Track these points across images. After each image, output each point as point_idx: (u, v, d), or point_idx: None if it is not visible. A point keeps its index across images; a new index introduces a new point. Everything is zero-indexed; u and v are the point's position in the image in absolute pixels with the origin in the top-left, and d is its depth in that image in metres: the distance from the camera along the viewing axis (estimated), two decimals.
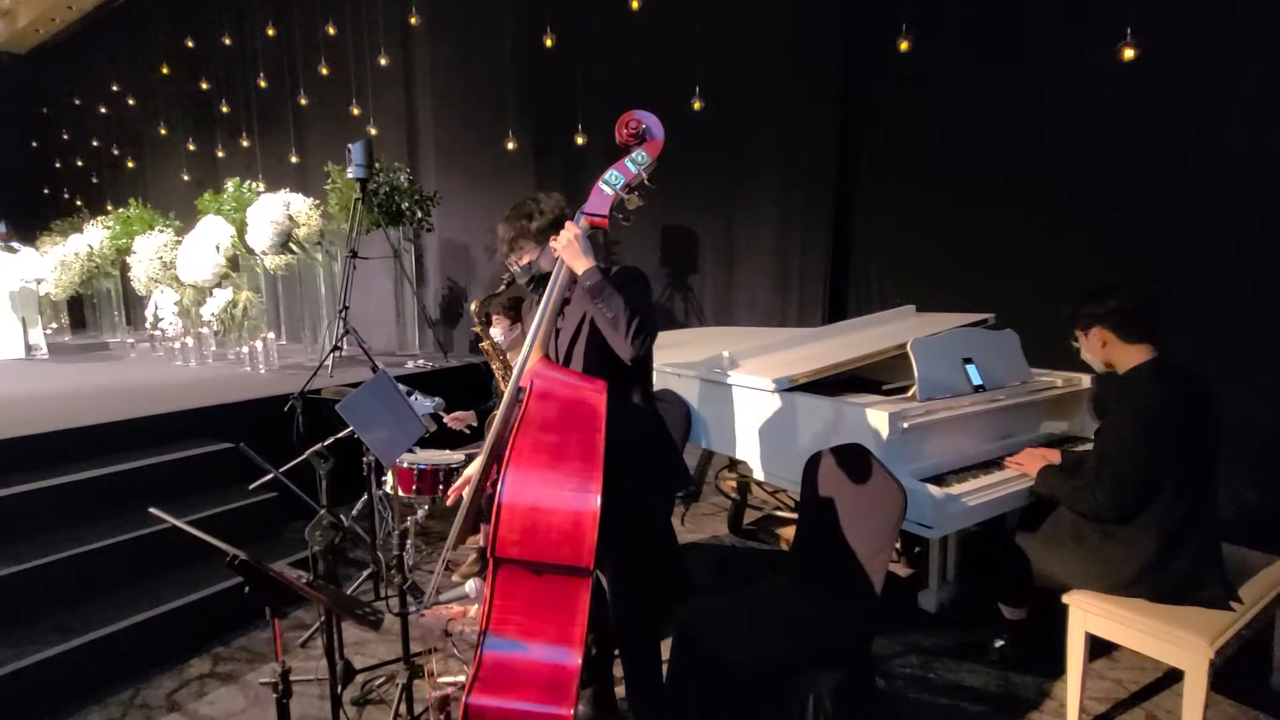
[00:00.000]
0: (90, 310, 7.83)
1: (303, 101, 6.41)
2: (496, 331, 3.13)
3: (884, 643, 2.46)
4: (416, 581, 2.80)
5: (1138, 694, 2.20)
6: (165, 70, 7.71)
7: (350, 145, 4.35)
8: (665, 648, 1.96)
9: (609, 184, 1.64)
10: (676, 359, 3.05)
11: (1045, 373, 2.79)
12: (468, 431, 3.24)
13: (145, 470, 3.02)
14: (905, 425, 2.18)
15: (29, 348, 5.76)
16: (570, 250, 1.60)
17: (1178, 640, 1.78)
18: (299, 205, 4.78)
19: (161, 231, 5.49)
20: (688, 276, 4.96)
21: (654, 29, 4.54)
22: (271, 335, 5.04)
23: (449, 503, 1.84)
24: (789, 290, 4.42)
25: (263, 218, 4.67)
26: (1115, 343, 1.98)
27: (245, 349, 4.89)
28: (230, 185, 5.16)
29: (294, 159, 6.66)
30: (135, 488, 2.92)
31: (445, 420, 3.10)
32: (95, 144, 9.49)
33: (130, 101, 8.65)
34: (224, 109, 7.27)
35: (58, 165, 10.13)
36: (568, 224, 1.63)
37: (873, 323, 3.19)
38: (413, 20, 5.36)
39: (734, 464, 3.33)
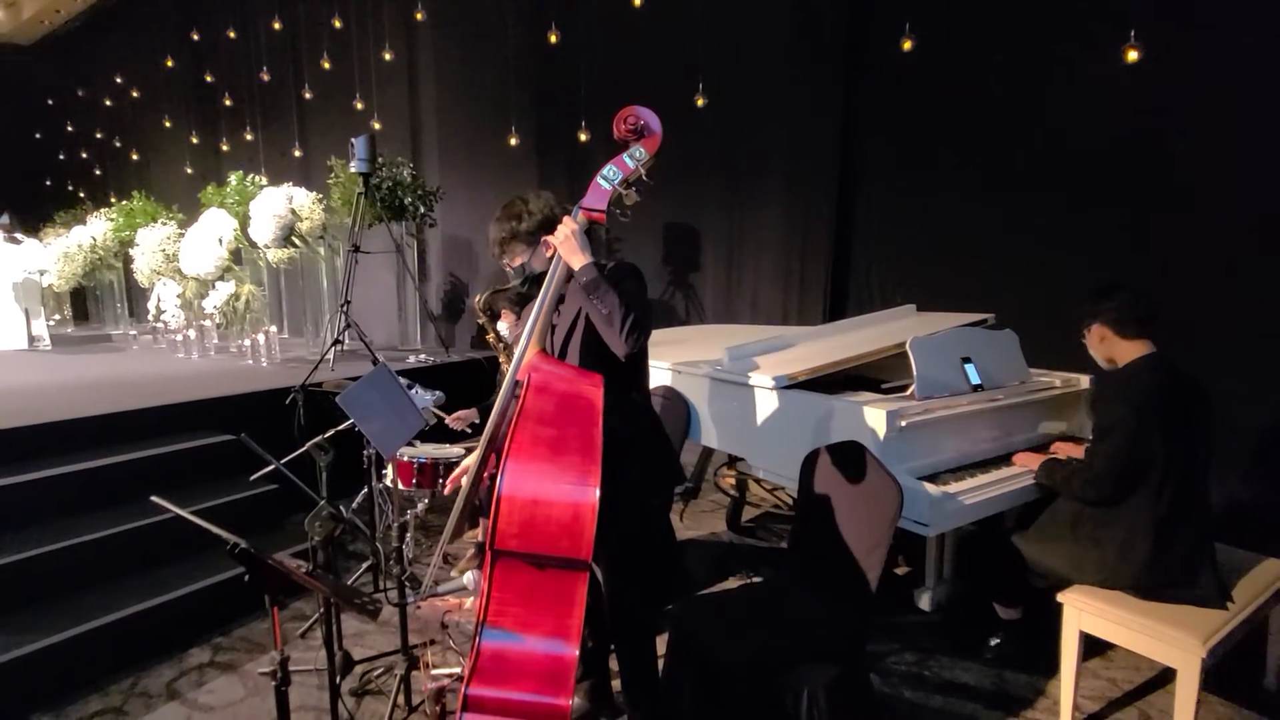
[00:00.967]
0: (93, 302, 7.86)
1: (307, 95, 6.42)
2: (503, 326, 3.14)
3: (880, 640, 2.48)
4: (415, 574, 2.82)
5: (1131, 693, 2.21)
6: (170, 63, 7.72)
7: (353, 139, 4.36)
8: (661, 642, 1.98)
9: (607, 179, 1.65)
10: (677, 356, 3.06)
11: (1044, 373, 2.80)
12: (469, 431, 3.25)
13: (147, 461, 3.04)
14: (903, 424, 2.19)
15: (32, 339, 5.77)
16: (567, 246, 1.61)
17: (1170, 639, 1.79)
18: (302, 199, 4.80)
19: (164, 224, 5.51)
20: (689, 274, 4.97)
21: (657, 26, 4.54)
22: (273, 328, 5.06)
23: (447, 492, 1.85)
24: (790, 288, 4.43)
25: (265, 211, 4.68)
26: (1112, 338, 2.03)
27: (247, 342, 4.91)
28: (233, 178, 5.17)
29: (297, 153, 6.67)
30: (137, 478, 2.93)
31: (447, 421, 3.11)
32: (99, 136, 9.51)
33: (134, 94, 8.66)
34: (228, 102, 7.28)
35: (61, 157, 10.15)
36: (565, 220, 1.64)
37: (872, 321, 3.19)
38: (418, 15, 5.36)
39: (733, 461, 3.33)
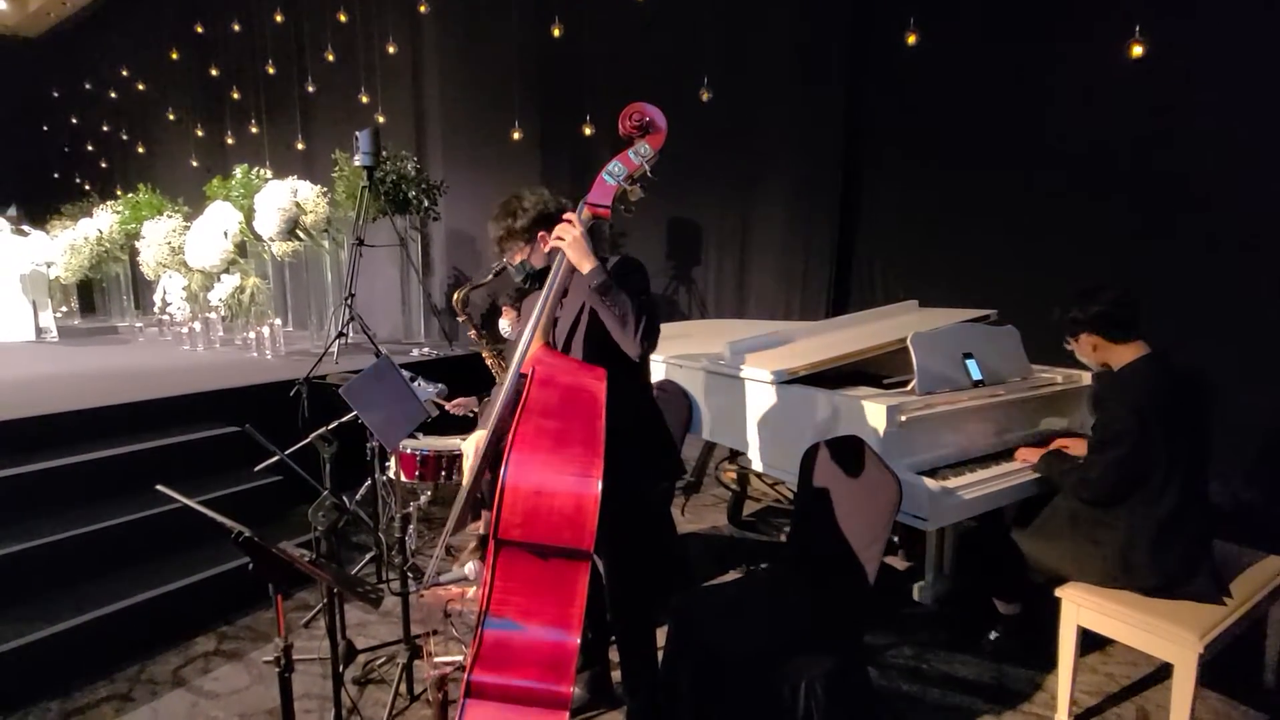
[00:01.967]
0: (99, 294, 7.89)
1: (311, 89, 6.43)
2: (504, 323, 3.15)
3: (878, 633, 2.49)
4: (418, 564, 2.84)
5: (1129, 688, 2.22)
6: (175, 56, 7.73)
7: (357, 133, 4.37)
8: (661, 634, 1.99)
9: (612, 175, 1.66)
10: (679, 351, 3.07)
11: (1046, 369, 2.80)
12: (471, 415, 3.27)
13: (153, 452, 3.07)
14: (903, 419, 2.19)
15: (39, 330, 5.81)
16: (576, 250, 1.61)
17: (1167, 634, 1.80)
18: (306, 192, 4.81)
19: (170, 217, 5.52)
20: (691, 269, 4.97)
21: (662, 20, 4.53)
22: (278, 321, 5.08)
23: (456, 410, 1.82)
24: (792, 284, 4.43)
25: (270, 204, 4.70)
26: (1105, 345, 2.02)
27: (252, 334, 4.93)
28: (238, 172, 5.19)
29: (301, 146, 6.68)
30: (143, 469, 2.96)
31: (447, 408, 3.13)
32: (105, 129, 9.53)
33: (140, 87, 8.68)
34: (233, 96, 7.29)
35: (68, 150, 10.18)
36: (570, 220, 1.63)
37: (874, 317, 3.20)
38: (421, 9, 5.36)
39: (734, 456, 3.35)
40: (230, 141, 7.58)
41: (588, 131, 4.62)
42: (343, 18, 5.84)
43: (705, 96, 4.09)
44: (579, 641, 1.46)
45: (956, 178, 3.71)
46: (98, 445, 2.98)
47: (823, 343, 2.81)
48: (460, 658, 1.76)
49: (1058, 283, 3.17)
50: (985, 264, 3.62)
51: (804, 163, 4.29)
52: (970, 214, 3.68)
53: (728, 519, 3.60)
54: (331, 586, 1.69)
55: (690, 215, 4.87)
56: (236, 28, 6.96)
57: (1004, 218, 3.55)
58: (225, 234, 4.91)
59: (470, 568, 1.88)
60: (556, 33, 4.57)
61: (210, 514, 1.38)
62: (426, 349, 5.04)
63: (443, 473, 2.87)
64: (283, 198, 4.70)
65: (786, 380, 2.49)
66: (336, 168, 4.98)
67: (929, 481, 2.14)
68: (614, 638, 2.03)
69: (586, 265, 1.61)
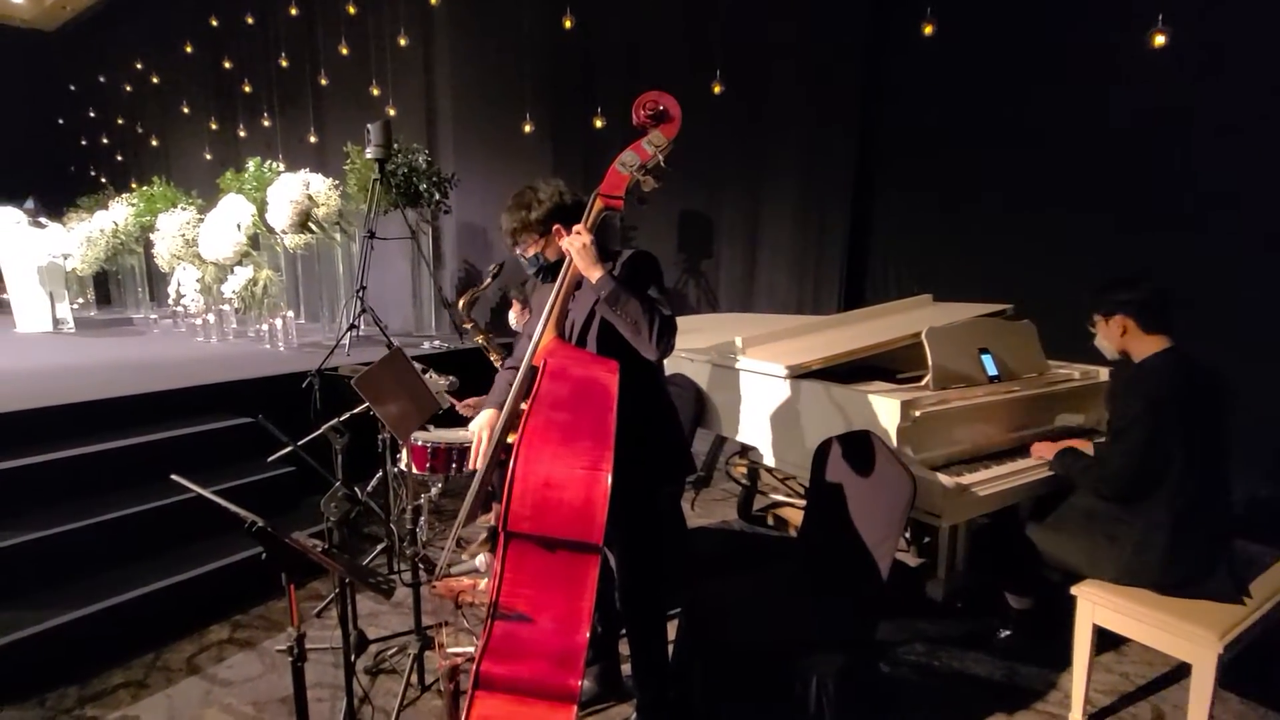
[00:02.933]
0: (115, 286, 7.97)
1: (323, 81, 6.44)
2: (512, 316, 3.15)
3: (890, 630, 2.48)
4: (429, 556, 2.86)
5: (1144, 688, 2.20)
6: (189, 49, 7.76)
7: (369, 125, 4.37)
8: (671, 628, 1.99)
9: (625, 165, 1.64)
10: (689, 344, 3.05)
11: (1063, 365, 2.76)
12: None
13: (167, 442, 3.09)
14: (917, 414, 2.17)
15: (56, 322, 5.88)
16: (584, 259, 1.59)
17: (1186, 634, 1.77)
18: (318, 185, 4.82)
19: (184, 209, 5.56)
20: (702, 262, 4.95)
21: (673, 11, 4.49)
22: (291, 313, 5.11)
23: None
24: (804, 278, 4.39)
25: (282, 197, 4.71)
26: (1135, 331, 1.98)
27: (265, 326, 4.96)
28: (251, 164, 5.21)
29: (313, 139, 6.70)
30: (158, 459, 2.99)
31: (457, 408, 3.13)
32: (120, 122, 9.60)
33: (154, 80, 8.73)
34: (246, 88, 7.31)
35: (84, 143, 10.27)
36: (577, 231, 1.61)
37: (888, 311, 3.17)
38: (433, 1, 5.34)
39: (745, 450, 3.33)
40: (243, 134, 7.61)
41: (599, 124, 4.60)
42: (352, 10, 5.83)
43: (718, 89, 4.05)
44: (589, 635, 1.45)
45: (972, 171, 3.66)
46: (114, 435, 3.01)
47: (836, 337, 2.78)
48: (471, 649, 1.76)
49: (1075, 277, 3.12)
50: (1001, 258, 3.57)
51: (817, 155, 4.24)
52: (986, 208, 3.63)
53: (738, 513, 3.59)
54: (344, 577, 1.70)
55: (701, 208, 4.85)
56: (249, 20, 6.97)
57: (1020, 211, 3.50)
58: (238, 226, 4.93)
59: (481, 560, 1.88)
60: (568, 24, 4.55)
61: (224, 504, 1.38)
62: (438, 342, 5.05)
63: (454, 465, 2.88)
64: (295, 190, 4.71)
65: (799, 375, 2.47)
66: (348, 160, 4.98)
67: (943, 477, 2.12)
68: (624, 631, 2.03)
69: (595, 274, 1.60)
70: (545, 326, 1.64)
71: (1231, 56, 2.80)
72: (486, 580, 1.91)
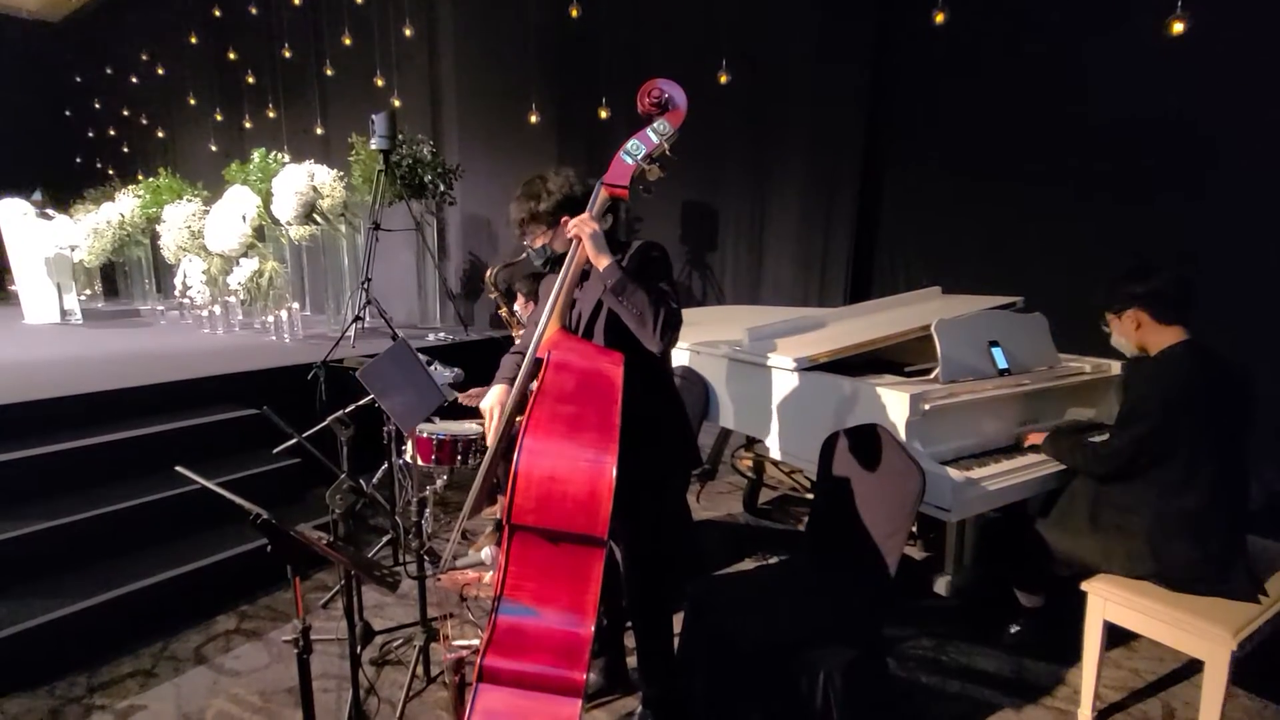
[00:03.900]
0: (122, 278, 8.00)
1: (328, 72, 6.41)
2: (517, 309, 3.14)
3: (897, 625, 2.46)
4: (434, 548, 2.86)
5: (1155, 684, 2.18)
6: (194, 40, 7.75)
7: (374, 116, 4.35)
8: (676, 621, 1.98)
9: (630, 154, 1.62)
10: (696, 337, 3.03)
11: (1074, 358, 2.73)
12: None
13: (173, 433, 3.10)
14: (926, 407, 2.15)
15: (64, 313, 5.91)
16: (592, 245, 1.58)
17: (1199, 631, 1.75)
18: (323, 176, 4.81)
19: (190, 201, 5.57)
20: (707, 254, 4.91)
21: (680, 0, 4.44)
22: (296, 305, 5.11)
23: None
24: (810, 270, 4.36)
25: (287, 188, 4.70)
26: (1150, 324, 1.94)
27: (270, 318, 4.97)
28: (256, 156, 5.20)
29: (319, 130, 6.69)
30: (163, 450, 3.00)
31: (460, 399, 3.12)
32: (126, 114, 9.61)
33: (160, 71, 8.73)
34: (250, 79, 7.30)
35: (90, 134, 10.29)
36: (583, 219, 1.59)
37: (897, 304, 3.14)
38: None
39: (750, 443, 3.32)
40: (248, 125, 7.60)
41: (604, 114, 4.56)
42: (359, 0, 5.80)
43: (724, 78, 4.01)
44: (594, 628, 1.44)
45: (981, 162, 3.61)
46: (121, 426, 3.02)
47: (844, 329, 2.76)
48: (476, 641, 1.76)
49: (1087, 268, 3.09)
50: (1011, 250, 3.52)
51: (825, 146, 4.19)
52: (995, 199, 3.58)
53: (743, 506, 3.58)
54: (349, 569, 1.69)
55: (706, 199, 4.80)
56: (254, 11, 6.95)
57: (1030, 202, 3.45)
58: (243, 218, 4.93)
59: (486, 552, 1.87)
60: (574, 13, 4.50)
61: (229, 496, 1.38)
62: (442, 334, 5.04)
63: (458, 457, 2.88)
64: (300, 182, 4.70)
65: (807, 367, 2.45)
66: (353, 152, 4.97)
67: (952, 471, 2.10)
68: (629, 624, 2.02)
69: (603, 262, 1.58)
70: (550, 318, 1.62)
71: (1254, 42, 2.73)
72: (491, 573, 1.91)
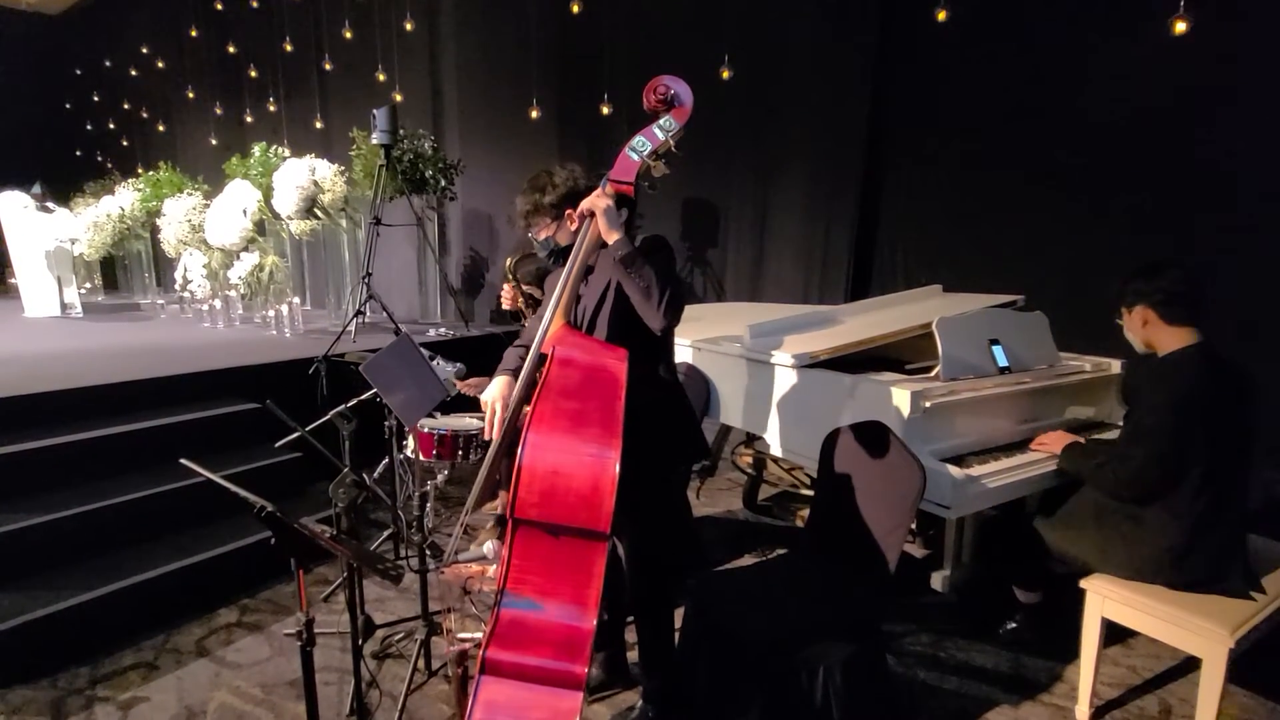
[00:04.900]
0: (122, 271, 7.98)
1: (328, 67, 6.40)
2: (504, 294, 3.14)
3: (895, 621, 2.47)
4: (436, 542, 2.86)
5: (1151, 681, 2.19)
6: (194, 33, 7.72)
7: (375, 111, 4.34)
8: (677, 617, 1.99)
9: (636, 150, 1.62)
10: (697, 334, 3.04)
11: (1074, 357, 2.74)
12: None
13: (175, 427, 3.11)
14: (927, 405, 2.15)
15: (64, 306, 5.90)
16: (606, 218, 1.58)
17: (1197, 628, 1.76)
18: (324, 171, 4.80)
19: (190, 195, 5.55)
20: (707, 251, 4.91)
21: None
22: (296, 300, 5.11)
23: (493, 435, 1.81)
24: (811, 267, 4.36)
25: (288, 183, 4.70)
26: (1157, 323, 1.91)
27: (271, 313, 4.97)
28: (257, 150, 5.19)
29: (319, 124, 6.67)
30: (166, 443, 3.00)
31: (459, 387, 3.13)
32: (126, 107, 9.58)
33: (160, 64, 8.70)
34: (251, 73, 7.27)
35: (90, 127, 10.25)
36: (597, 195, 1.60)
37: (898, 301, 3.14)
38: None
39: (751, 439, 3.32)
40: (249, 119, 7.58)
41: (606, 110, 4.55)
42: None
43: (726, 74, 4.00)
44: (595, 624, 1.45)
45: (982, 159, 3.61)
46: (122, 420, 3.03)
47: (845, 327, 2.76)
48: (479, 635, 1.77)
49: (1088, 267, 3.10)
50: (1012, 249, 3.53)
51: (826, 143, 4.19)
52: (997, 197, 3.59)
53: (743, 503, 3.59)
54: (352, 562, 1.70)
55: (707, 196, 4.80)
56: (254, 4, 6.93)
57: (1032, 200, 3.45)
58: (244, 212, 4.92)
59: (489, 547, 1.87)
60: (575, 8, 4.49)
61: (234, 488, 1.38)
62: (443, 329, 5.05)
63: (459, 452, 2.88)
64: (301, 176, 4.70)
65: (808, 364, 2.45)
66: (354, 146, 4.96)
67: (952, 469, 2.11)
68: (631, 619, 2.03)
69: (614, 235, 1.58)
70: (554, 313, 1.63)
71: (1259, 40, 2.73)
72: (494, 567, 1.91)
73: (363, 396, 2.58)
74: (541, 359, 1.59)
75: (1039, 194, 3.42)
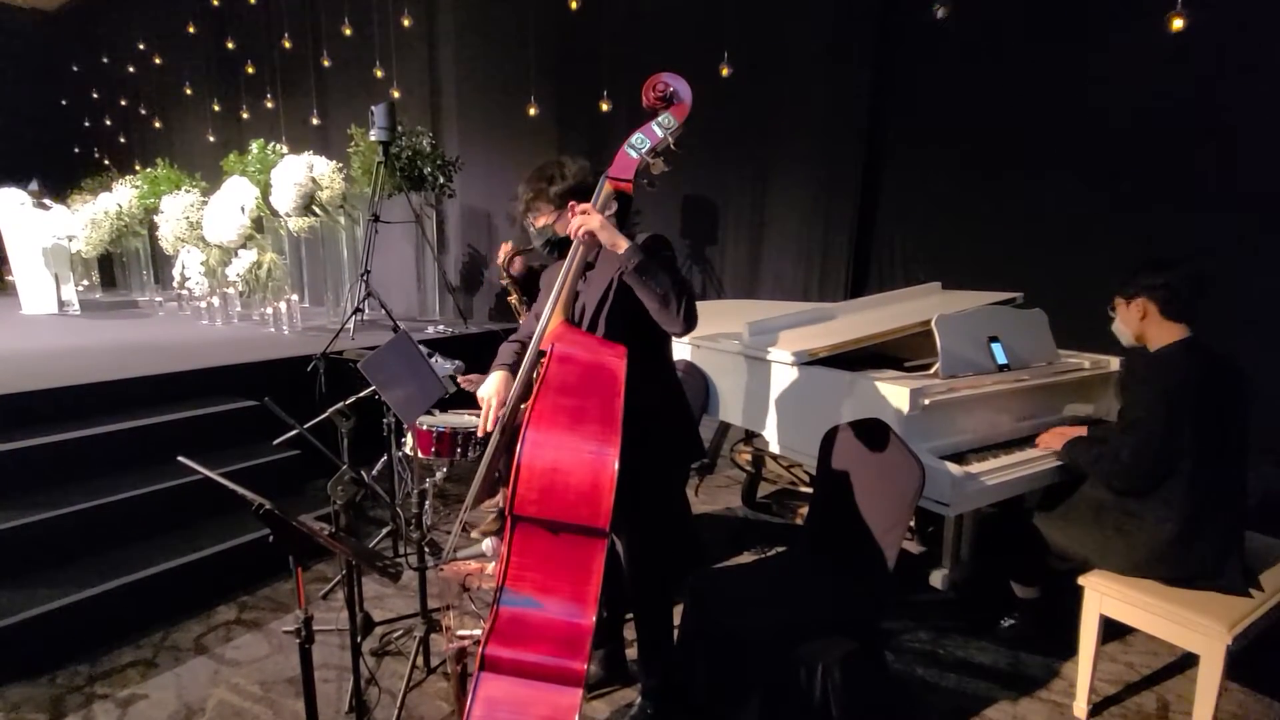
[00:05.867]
0: (120, 269, 7.96)
1: (326, 63, 6.37)
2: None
3: (894, 618, 2.48)
4: (434, 540, 2.86)
5: (1149, 678, 2.20)
6: (191, 29, 7.69)
7: (373, 108, 4.33)
8: (676, 614, 1.99)
9: (635, 148, 1.61)
10: (695, 331, 3.03)
11: (1073, 354, 2.74)
12: None
13: (174, 424, 3.10)
14: (926, 402, 2.15)
15: (62, 303, 5.89)
16: (606, 233, 1.56)
17: (1195, 625, 1.77)
18: (322, 168, 4.79)
19: (188, 192, 5.54)
20: (707, 248, 4.91)
21: None
22: (295, 297, 5.10)
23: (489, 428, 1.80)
24: (810, 265, 4.36)
25: (286, 180, 4.69)
26: (1155, 317, 1.94)
27: (269, 310, 4.96)
28: (255, 147, 5.17)
29: (316, 121, 6.65)
30: (164, 441, 2.99)
31: (460, 382, 3.13)
32: (124, 103, 9.55)
33: (157, 61, 8.66)
34: (249, 70, 7.25)
35: (88, 124, 10.22)
36: (585, 210, 1.58)
37: (897, 299, 3.14)
38: None
39: (749, 437, 3.33)
40: (246, 116, 7.56)
41: (605, 107, 4.54)
42: None
43: (725, 71, 4.00)
44: (594, 620, 1.45)
45: (981, 157, 3.61)
46: (121, 417, 3.02)
47: (844, 324, 2.76)
48: (478, 632, 1.77)
49: (1087, 265, 3.10)
50: (1011, 245, 3.53)
51: (826, 141, 4.19)
52: (996, 195, 3.59)
53: (742, 500, 3.59)
54: (351, 560, 1.70)
55: (706, 193, 4.80)
56: (252, 1, 6.90)
57: (1031, 198, 3.45)
58: (242, 209, 4.91)
59: (488, 544, 1.88)
60: (574, 5, 4.48)
61: (232, 486, 1.38)
62: (442, 326, 5.04)
63: (458, 450, 2.88)
64: (299, 173, 4.69)
65: (807, 361, 2.45)
66: (352, 143, 4.95)
67: (952, 466, 2.11)
68: (630, 616, 2.03)
69: (622, 245, 1.57)
70: (553, 309, 1.62)
71: (1254, 39, 2.73)
72: (493, 564, 1.91)
73: (361, 394, 2.58)
74: (540, 355, 1.59)
75: (1038, 192, 3.42)
